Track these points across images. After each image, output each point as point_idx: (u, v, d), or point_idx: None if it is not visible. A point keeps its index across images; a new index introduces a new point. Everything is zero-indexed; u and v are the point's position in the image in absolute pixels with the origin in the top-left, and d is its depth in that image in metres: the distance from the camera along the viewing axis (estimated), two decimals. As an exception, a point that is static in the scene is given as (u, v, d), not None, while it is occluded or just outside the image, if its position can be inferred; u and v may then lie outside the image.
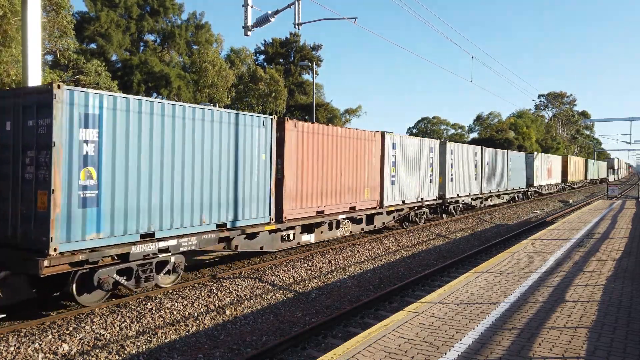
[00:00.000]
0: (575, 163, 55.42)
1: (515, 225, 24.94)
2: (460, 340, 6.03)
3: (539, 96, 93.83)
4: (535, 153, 37.91)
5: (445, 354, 5.59)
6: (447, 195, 23.12)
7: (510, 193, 33.12)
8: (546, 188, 42.48)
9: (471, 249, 17.29)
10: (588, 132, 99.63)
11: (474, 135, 76.84)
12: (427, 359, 5.47)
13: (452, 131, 77.35)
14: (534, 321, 6.73)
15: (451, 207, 24.38)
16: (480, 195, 27.25)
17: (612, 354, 5.58)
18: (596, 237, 14.89)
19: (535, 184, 37.53)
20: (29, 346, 7.38)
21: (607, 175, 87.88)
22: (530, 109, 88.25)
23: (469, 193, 25.62)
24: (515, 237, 19.94)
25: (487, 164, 27.87)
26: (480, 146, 27.99)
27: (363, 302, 10.08)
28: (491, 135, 68.04)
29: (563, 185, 49.76)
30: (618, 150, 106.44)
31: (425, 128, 76.65)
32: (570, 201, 39.76)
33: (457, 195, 24.18)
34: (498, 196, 30.61)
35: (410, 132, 76.51)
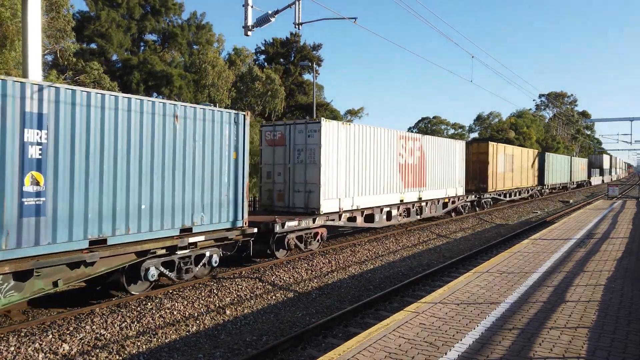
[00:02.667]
0: (514, 157, 32.10)
1: (516, 225, 24.92)
2: (461, 340, 6.02)
3: (540, 96, 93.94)
4: (336, 122, 15.31)
5: (446, 354, 5.59)
6: None
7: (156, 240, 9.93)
8: (404, 212, 19.17)
9: (471, 249, 17.28)
10: (589, 132, 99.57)
11: (475, 135, 76.91)
12: (428, 359, 5.47)
13: (452, 131, 77.32)
14: (534, 321, 6.73)
15: None
16: None
17: (612, 354, 5.58)
18: (597, 237, 14.88)
19: (327, 209, 14.68)
20: (29, 346, 7.38)
21: (590, 178, 64.40)
22: (530, 109, 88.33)
23: None
24: (515, 237, 19.93)
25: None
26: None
27: (363, 302, 10.07)
28: (492, 135, 68.05)
29: (477, 197, 26.69)
30: (619, 150, 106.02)
31: (425, 128, 76.62)
32: (571, 201, 39.75)
33: None
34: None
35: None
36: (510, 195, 32.31)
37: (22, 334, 7.72)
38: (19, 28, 19.06)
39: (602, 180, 74.62)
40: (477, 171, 27.61)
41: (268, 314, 9.89)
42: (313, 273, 12.85)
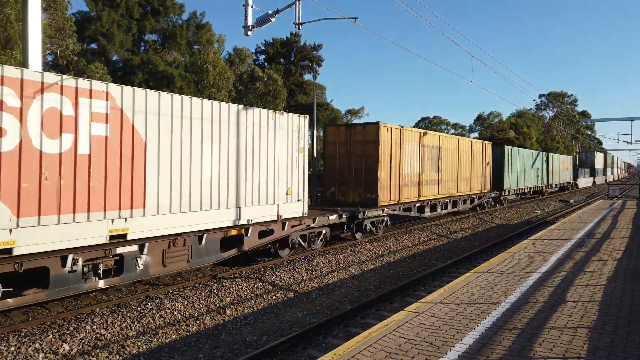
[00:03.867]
0: (444, 150, 21.79)
1: (516, 225, 24.91)
2: (461, 340, 6.02)
3: (540, 96, 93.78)
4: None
5: (446, 354, 5.58)
6: None
7: None
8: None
9: (472, 249, 17.27)
10: (589, 132, 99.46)
11: (475, 135, 76.89)
12: (428, 359, 5.47)
13: (453, 131, 77.32)
14: (534, 321, 6.72)
15: None
16: None
17: (612, 354, 5.57)
18: (597, 237, 14.87)
19: None
20: (29, 346, 7.39)
21: (576, 179, 53.64)
22: (530, 109, 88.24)
23: None
24: (516, 237, 19.92)
25: None
26: None
27: (363, 302, 10.07)
28: (492, 135, 68.01)
29: (348, 217, 15.55)
30: (619, 150, 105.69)
31: (425, 128, 76.67)
32: (571, 201, 39.72)
33: None
34: None
35: (410, 132, 76.31)
36: (434, 208, 21.15)
37: (22, 334, 7.73)
38: (20, 31, 19.09)
39: (593, 182, 63.88)
40: (361, 172, 17.09)
41: (268, 314, 9.89)
42: (313, 273, 12.85)
